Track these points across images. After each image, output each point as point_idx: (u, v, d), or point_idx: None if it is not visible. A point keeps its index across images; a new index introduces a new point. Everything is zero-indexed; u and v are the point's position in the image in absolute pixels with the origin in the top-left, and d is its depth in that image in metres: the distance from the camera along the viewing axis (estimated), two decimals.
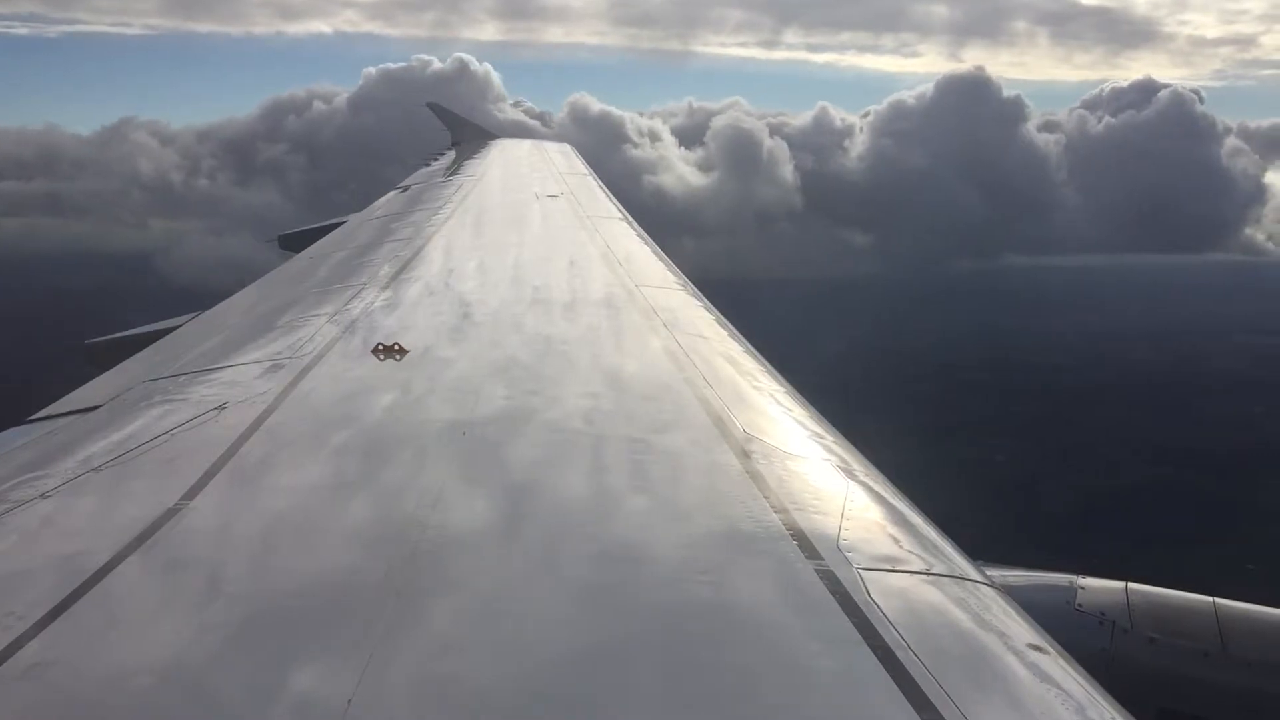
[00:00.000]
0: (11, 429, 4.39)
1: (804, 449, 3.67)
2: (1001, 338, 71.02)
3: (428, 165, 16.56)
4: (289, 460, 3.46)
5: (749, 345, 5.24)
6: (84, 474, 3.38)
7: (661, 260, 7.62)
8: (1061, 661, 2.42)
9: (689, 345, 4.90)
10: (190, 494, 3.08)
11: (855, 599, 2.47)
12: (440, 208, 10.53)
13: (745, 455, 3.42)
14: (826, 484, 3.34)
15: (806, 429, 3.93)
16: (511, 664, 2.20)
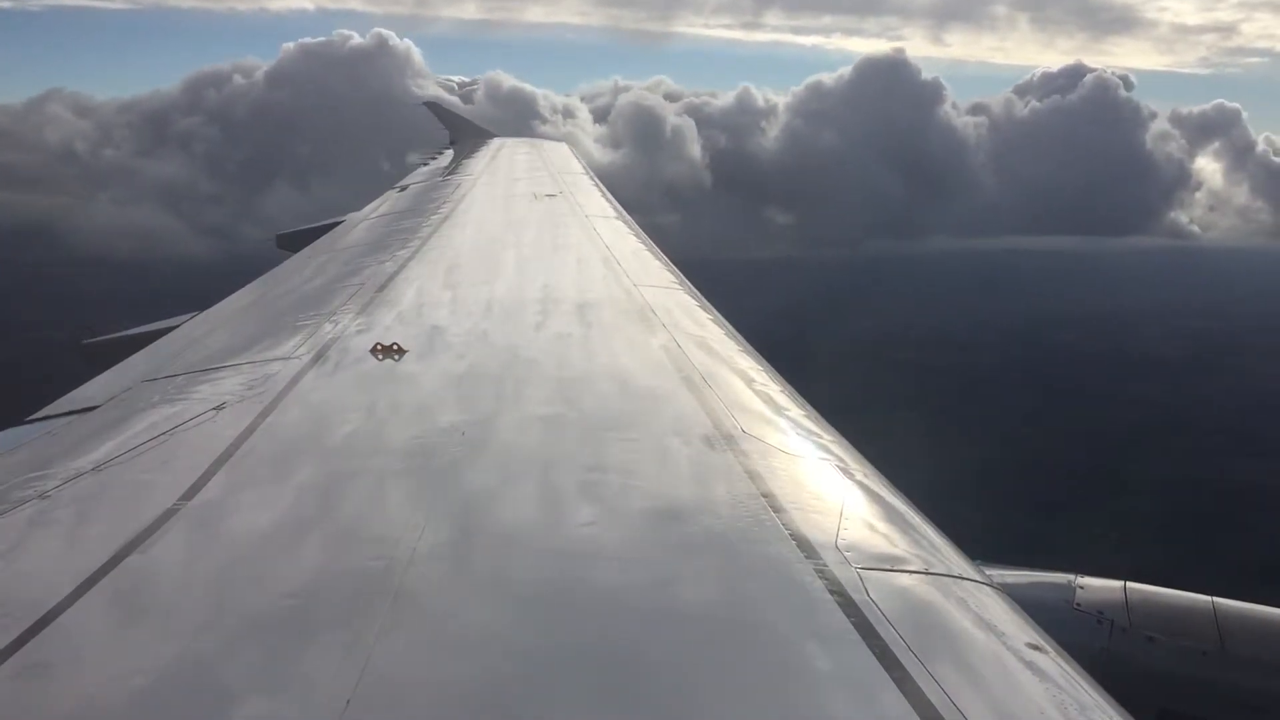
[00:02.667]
0: (9, 429, 4.38)
1: (802, 448, 3.67)
2: (924, 318, 72.41)
3: (425, 164, 16.55)
4: (287, 460, 3.46)
5: (747, 344, 5.24)
6: (82, 474, 3.38)
7: (659, 259, 7.62)
8: (1060, 661, 2.42)
9: (687, 344, 4.90)
10: (189, 494, 3.08)
11: (854, 599, 2.47)
12: (439, 208, 10.53)
13: (743, 454, 3.42)
14: (825, 483, 3.34)
15: (805, 428, 3.93)
16: (509, 664, 2.21)
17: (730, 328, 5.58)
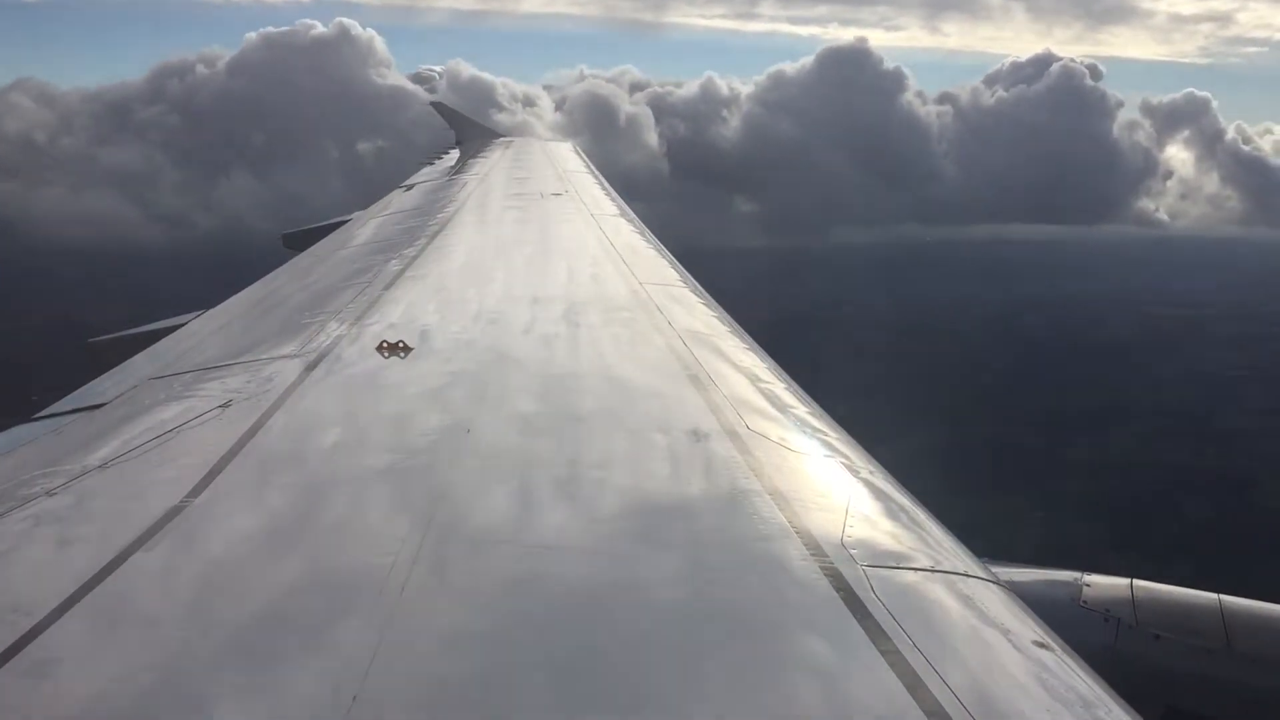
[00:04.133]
0: (16, 427, 4.40)
1: (808, 446, 3.66)
2: (892, 305, 73.47)
3: (431, 164, 16.58)
4: (293, 457, 3.46)
5: (752, 341, 5.24)
6: (89, 471, 3.39)
7: (664, 257, 7.62)
8: (1067, 659, 2.42)
9: (693, 342, 4.90)
10: (195, 491, 3.08)
11: (860, 596, 2.46)
12: (445, 207, 10.54)
13: (750, 453, 3.42)
14: (831, 481, 3.34)
15: (811, 426, 3.92)
16: (517, 660, 2.21)
17: (736, 325, 5.57)
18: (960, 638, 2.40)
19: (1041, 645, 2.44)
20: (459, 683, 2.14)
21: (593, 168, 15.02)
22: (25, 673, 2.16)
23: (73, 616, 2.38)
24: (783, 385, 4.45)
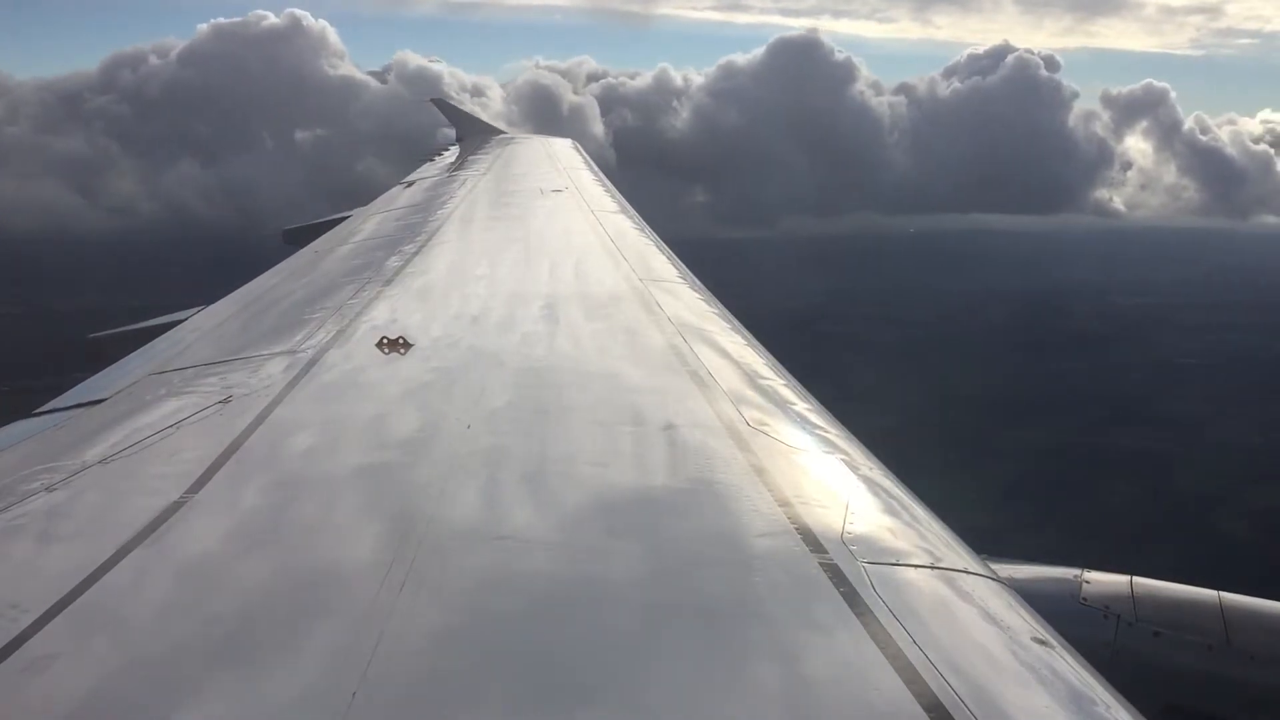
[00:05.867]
0: (17, 422, 4.40)
1: (809, 443, 3.66)
2: (846, 293, 73.94)
3: (432, 161, 16.57)
4: (294, 453, 3.46)
5: (752, 338, 5.24)
6: (90, 467, 3.39)
7: (664, 254, 7.62)
8: (1066, 655, 2.42)
9: (693, 338, 4.90)
10: (196, 486, 3.08)
11: (860, 593, 2.47)
12: (446, 203, 10.54)
13: (749, 449, 3.42)
14: (831, 478, 3.34)
15: (811, 423, 3.92)
16: (515, 656, 2.21)
17: (736, 322, 5.57)
18: (960, 634, 2.40)
19: (1041, 642, 2.44)
20: (465, 677, 2.14)
21: (593, 165, 15.03)
22: (24, 668, 2.16)
23: (72, 612, 2.38)
24: (782, 382, 4.45)
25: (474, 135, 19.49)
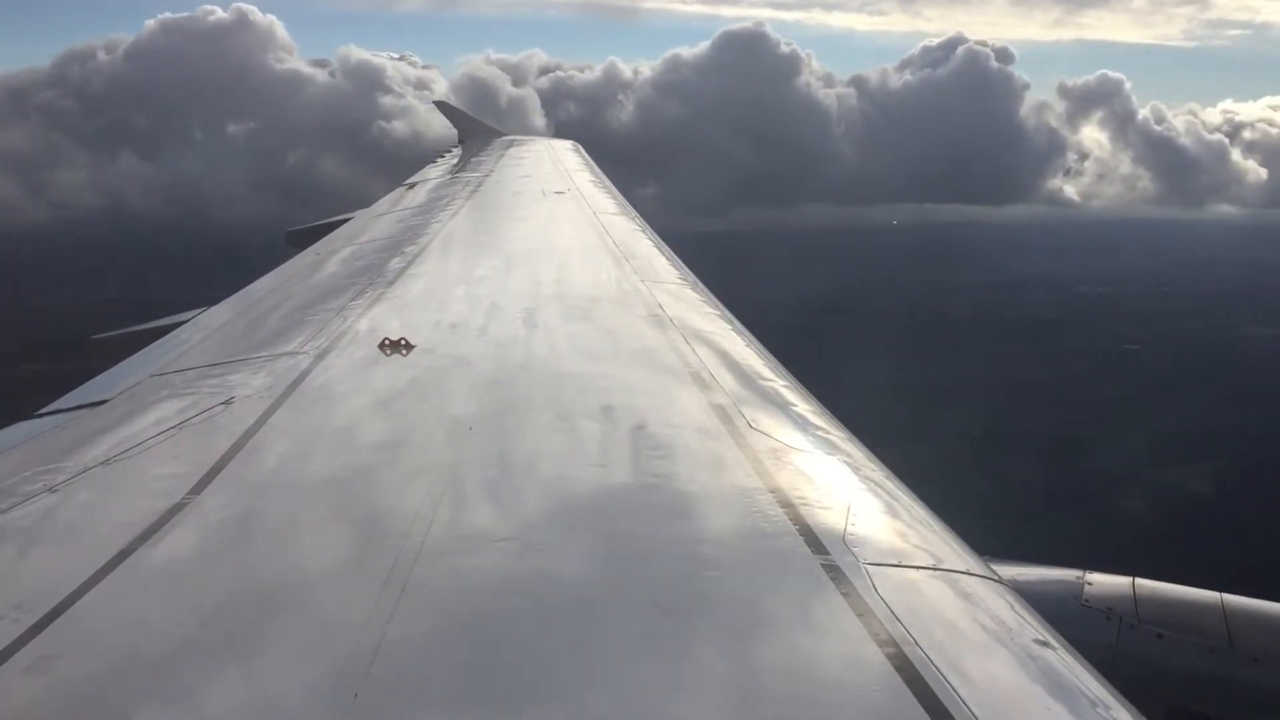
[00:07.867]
0: (19, 423, 4.40)
1: (810, 444, 3.66)
2: (798, 284, 75.05)
3: (434, 163, 16.59)
4: (295, 454, 3.46)
5: (754, 340, 5.24)
6: (91, 468, 3.39)
7: (666, 255, 7.63)
8: (1068, 657, 2.41)
9: (695, 340, 4.90)
10: (197, 488, 3.09)
11: (862, 594, 2.46)
12: (448, 204, 10.54)
13: (751, 450, 3.42)
14: (833, 479, 3.34)
15: (813, 424, 3.92)
16: (515, 657, 2.21)
17: (738, 323, 5.58)
18: (961, 636, 2.40)
19: (1043, 644, 2.43)
20: (467, 676, 2.14)
21: (594, 166, 15.04)
22: (28, 669, 2.16)
23: (74, 613, 2.38)
24: (784, 383, 4.45)
25: (476, 137, 19.51)
